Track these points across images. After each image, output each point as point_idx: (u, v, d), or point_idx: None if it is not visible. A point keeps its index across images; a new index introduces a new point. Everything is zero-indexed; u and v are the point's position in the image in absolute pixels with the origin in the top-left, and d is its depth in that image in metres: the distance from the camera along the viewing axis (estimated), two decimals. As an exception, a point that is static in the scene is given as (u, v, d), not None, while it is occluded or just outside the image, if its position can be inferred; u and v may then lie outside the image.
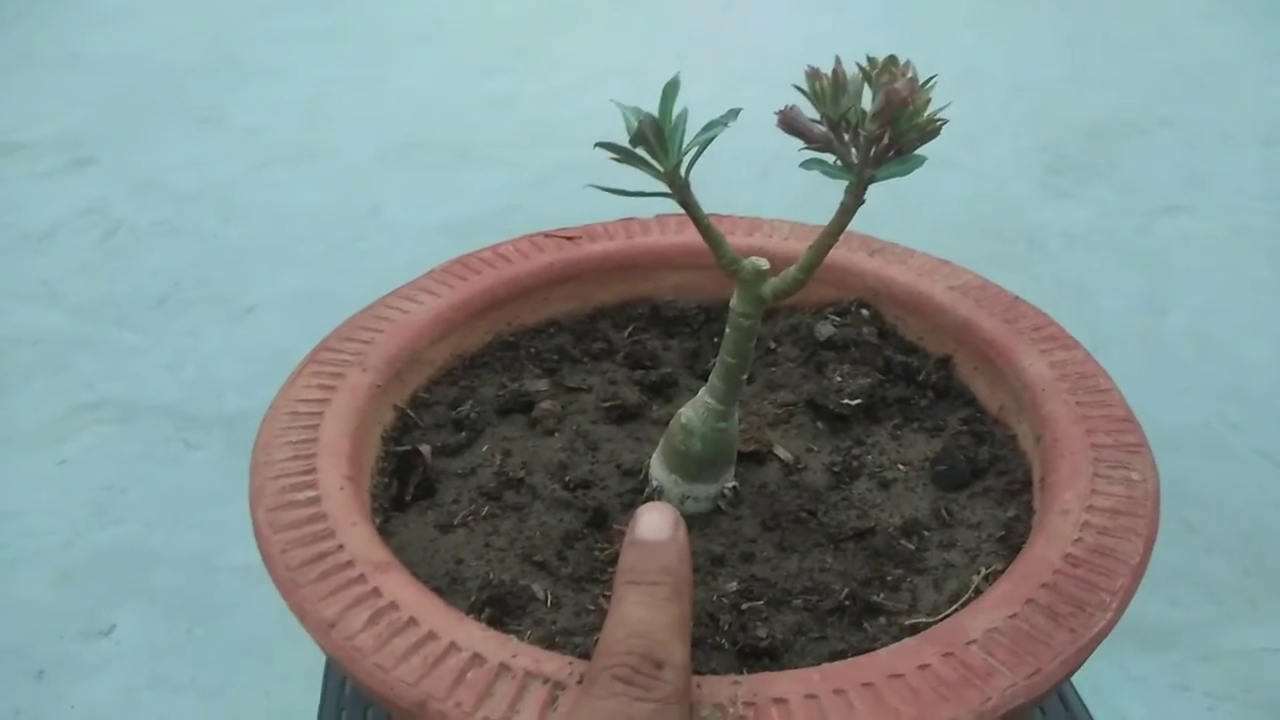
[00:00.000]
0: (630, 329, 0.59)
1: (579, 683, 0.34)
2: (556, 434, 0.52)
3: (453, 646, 0.35)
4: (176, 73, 2.76)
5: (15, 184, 2.24)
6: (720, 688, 0.34)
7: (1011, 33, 3.05)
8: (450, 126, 2.47)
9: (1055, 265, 1.96)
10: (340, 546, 0.39)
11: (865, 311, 0.57)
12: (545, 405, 0.53)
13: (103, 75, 2.75)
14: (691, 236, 0.59)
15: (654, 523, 0.36)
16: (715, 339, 0.58)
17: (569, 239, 0.59)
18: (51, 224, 2.08)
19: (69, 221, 2.09)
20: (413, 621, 0.36)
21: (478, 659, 0.35)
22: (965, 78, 2.67)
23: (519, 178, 2.23)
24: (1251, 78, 2.75)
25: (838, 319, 0.57)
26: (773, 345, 0.57)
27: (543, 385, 0.54)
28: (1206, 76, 2.75)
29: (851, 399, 0.52)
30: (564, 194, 2.06)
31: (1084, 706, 0.60)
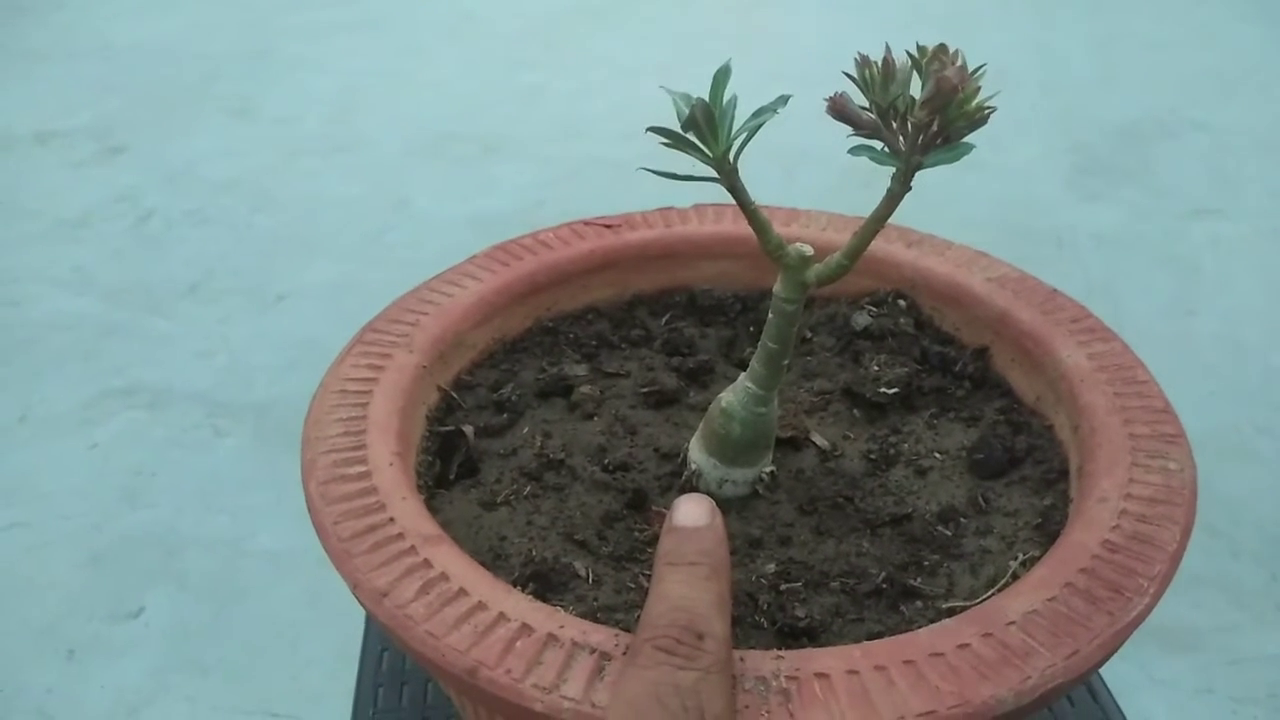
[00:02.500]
0: (668, 316, 0.60)
1: (624, 654, 0.35)
2: (595, 418, 0.52)
3: (501, 617, 0.36)
4: (209, 63, 2.79)
5: (49, 172, 2.27)
6: (763, 662, 0.35)
7: (1041, 33, 3.04)
8: (480, 120, 2.49)
9: (1084, 266, 1.95)
10: (391, 519, 0.40)
11: (902, 302, 0.58)
12: (584, 390, 0.54)
13: (135, 65, 2.78)
14: (729, 226, 0.60)
15: (691, 511, 0.38)
16: (751, 328, 0.59)
17: (609, 227, 0.60)
18: (84, 212, 2.11)
19: (102, 209, 2.12)
20: (463, 592, 0.37)
21: (526, 629, 0.35)
22: (995, 78, 2.64)
23: (548, 172, 2.24)
24: (1284, 81, 2.74)
25: (874, 309, 0.57)
26: (809, 335, 0.58)
27: (582, 370, 0.55)
28: (1239, 79, 2.73)
29: (888, 388, 0.52)
30: (593, 188, 2.08)
31: (1113, 699, 0.61)
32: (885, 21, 3.08)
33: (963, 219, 1.88)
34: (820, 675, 0.34)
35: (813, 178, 2.06)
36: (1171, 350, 1.71)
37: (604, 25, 3.10)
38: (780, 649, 0.39)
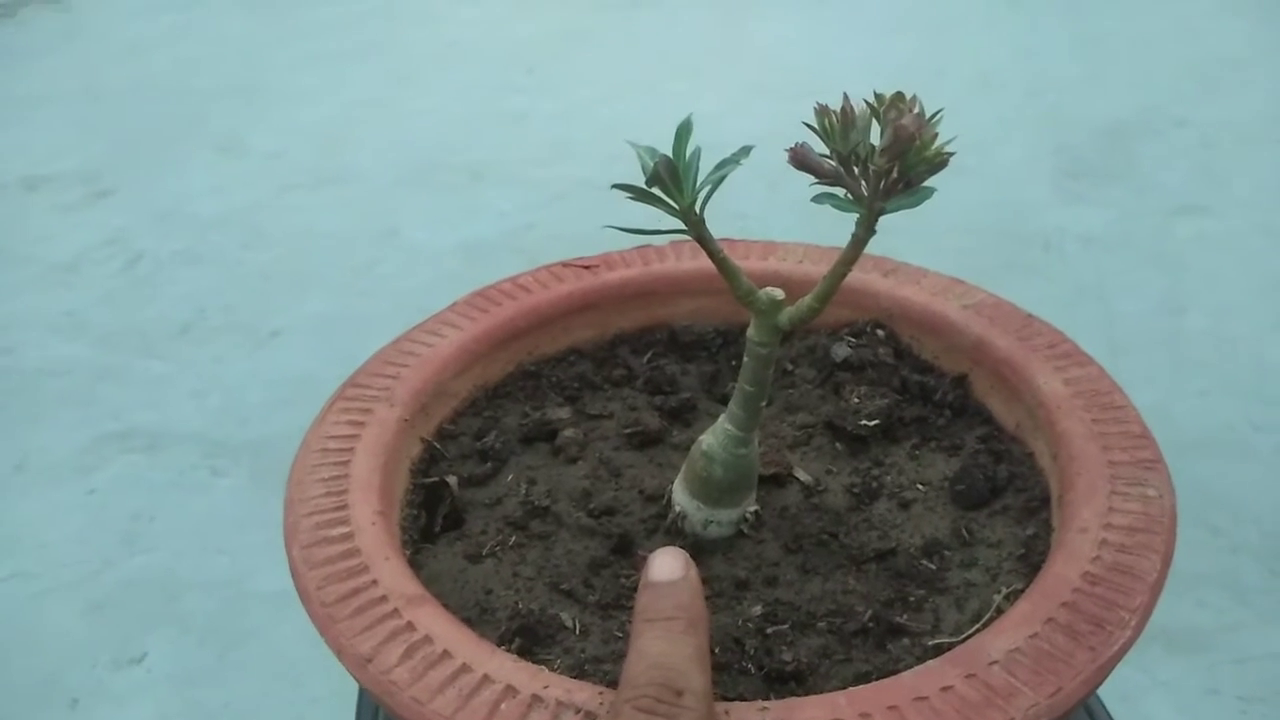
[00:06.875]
0: (649, 355, 0.60)
1: (608, 713, 0.35)
2: (580, 461, 0.53)
3: (486, 679, 0.36)
4: (194, 101, 2.79)
5: (38, 217, 2.27)
6: (748, 714, 0.35)
7: (1024, 34, 3.05)
8: (466, 147, 2.49)
9: (1073, 268, 1.96)
10: (374, 581, 0.40)
11: (881, 332, 0.58)
12: (568, 433, 0.54)
13: (121, 106, 2.79)
14: (706, 263, 0.59)
15: (666, 565, 0.38)
16: (733, 362, 0.59)
17: (587, 268, 0.60)
18: (75, 255, 2.11)
19: (92, 252, 2.12)
20: (447, 654, 0.37)
21: (511, 690, 0.36)
22: (978, 81, 2.68)
23: (535, 196, 2.25)
24: (1267, 74, 2.74)
25: (854, 340, 0.58)
26: (790, 367, 0.58)
27: (565, 413, 0.55)
28: (1222, 74, 2.74)
29: (869, 420, 0.53)
30: (580, 211, 2.09)
31: (1110, 717, 0.61)
32: (869, 29, 3.09)
33: (949, 225, 1.89)
34: (805, 725, 0.35)
35: (796, 191, 2.06)
36: (1163, 349, 1.71)
37: (588, 46, 3.10)
38: (768, 694, 0.39)
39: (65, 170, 2.45)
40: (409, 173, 2.38)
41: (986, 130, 2.38)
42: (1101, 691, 0.63)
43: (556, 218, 2.14)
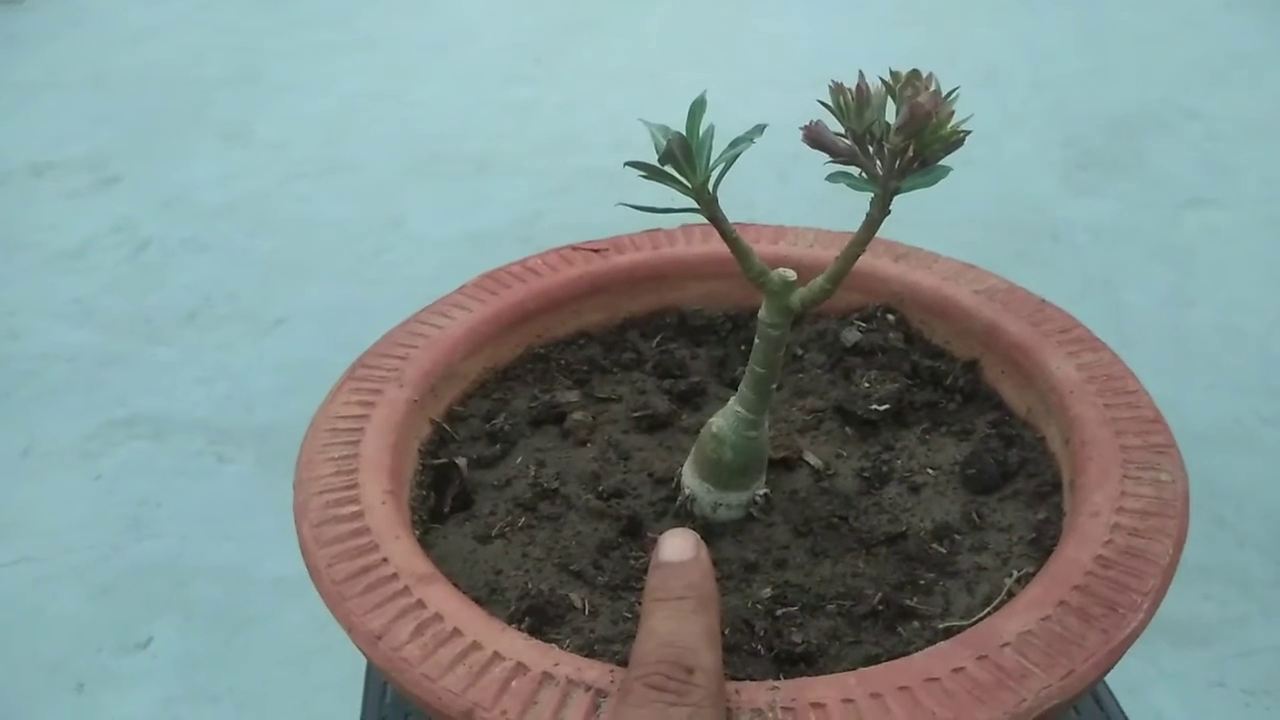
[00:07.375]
0: (659, 339, 0.60)
1: (618, 692, 0.35)
2: (589, 444, 0.52)
3: (496, 656, 0.36)
4: (201, 89, 2.79)
5: (45, 204, 2.28)
6: (758, 693, 0.35)
7: (1031, 27, 3.04)
8: (472, 137, 2.49)
9: (1081, 261, 1.95)
10: (384, 560, 0.40)
11: (891, 317, 0.58)
12: (577, 416, 0.54)
13: (128, 94, 2.79)
14: (716, 246, 0.60)
15: (677, 546, 0.38)
16: (742, 346, 0.59)
17: (597, 251, 0.60)
18: (82, 242, 2.12)
19: (99, 239, 2.13)
20: (457, 632, 0.37)
21: (521, 668, 0.36)
22: (986, 74, 2.67)
23: (541, 185, 2.25)
24: (1276, 67, 2.74)
25: (864, 324, 0.57)
26: (799, 352, 0.58)
27: (574, 396, 0.55)
28: (1230, 67, 2.73)
29: (880, 404, 0.52)
30: (587, 200, 2.09)
31: (1118, 705, 0.61)
32: (876, 21, 3.08)
33: (958, 217, 1.89)
34: (816, 705, 0.34)
35: (806, 181, 2.05)
36: (1171, 342, 1.71)
37: (594, 36, 3.10)
38: (777, 676, 0.39)
39: (72, 157, 2.45)
40: (415, 162, 2.38)
41: (994, 123, 2.38)
42: (1107, 682, 0.63)
43: (563, 207, 2.14)
